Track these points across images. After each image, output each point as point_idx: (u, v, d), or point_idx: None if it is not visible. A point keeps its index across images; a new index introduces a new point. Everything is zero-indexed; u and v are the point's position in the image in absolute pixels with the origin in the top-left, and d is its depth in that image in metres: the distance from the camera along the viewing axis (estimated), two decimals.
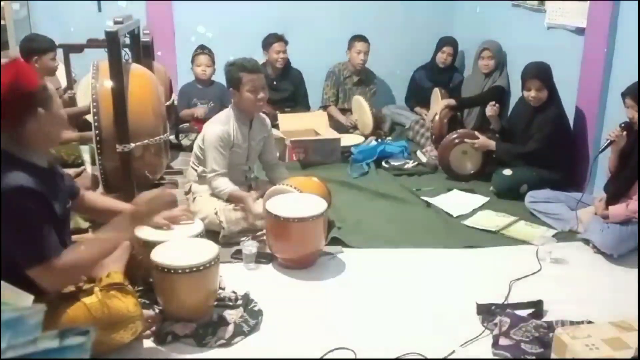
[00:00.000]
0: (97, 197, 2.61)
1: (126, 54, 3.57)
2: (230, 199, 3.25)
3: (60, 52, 4.39)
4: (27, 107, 1.98)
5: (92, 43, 4.60)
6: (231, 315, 2.45)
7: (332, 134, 4.71)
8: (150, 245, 2.43)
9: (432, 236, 3.33)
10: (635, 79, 3.13)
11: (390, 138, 5.06)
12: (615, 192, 3.16)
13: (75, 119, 4.08)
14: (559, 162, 3.86)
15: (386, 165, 4.44)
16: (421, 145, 4.90)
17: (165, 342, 2.30)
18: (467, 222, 3.53)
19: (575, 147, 3.95)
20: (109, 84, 3.02)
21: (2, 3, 4.82)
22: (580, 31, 3.93)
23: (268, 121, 3.57)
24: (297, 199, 3.06)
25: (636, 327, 2.07)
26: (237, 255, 3.01)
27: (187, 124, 4.83)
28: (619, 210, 3.08)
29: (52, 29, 4.98)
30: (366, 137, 4.92)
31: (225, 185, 3.25)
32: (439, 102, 4.79)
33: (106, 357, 2.11)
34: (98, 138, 3.06)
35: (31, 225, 1.94)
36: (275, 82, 5.11)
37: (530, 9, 4.53)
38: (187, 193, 3.50)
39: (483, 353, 2.31)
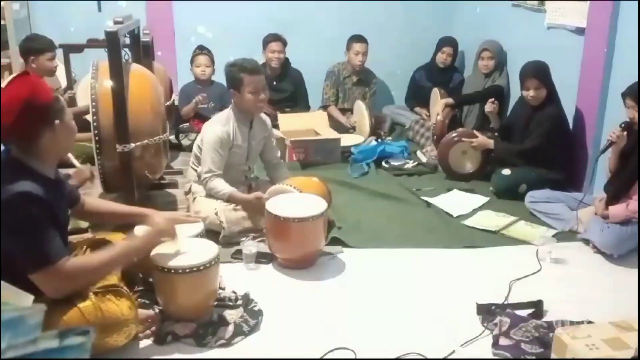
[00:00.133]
0: (97, 202, 2.60)
1: (126, 54, 3.56)
2: (231, 200, 3.24)
3: (60, 52, 4.40)
4: (44, 120, 2.01)
5: (92, 43, 4.60)
6: (231, 315, 2.45)
7: (332, 134, 4.71)
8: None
9: (432, 236, 3.33)
10: (635, 79, 3.13)
11: (390, 138, 5.06)
12: (616, 192, 3.16)
13: (75, 119, 4.07)
14: (558, 162, 3.86)
15: (386, 165, 4.44)
16: (421, 145, 4.90)
17: (165, 342, 2.30)
18: (467, 222, 3.53)
19: (575, 147, 3.95)
20: (108, 83, 3.01)
21: (2, 3, 4.82)
22: (580, 31, 3.93)
23: (268, 121, 3.57)
24: (297, 199, 3.06)
25: (636, 327, 2.07)
26: (237, 255, 3.01)
27: (187, 124, 4.83)
28: (619, 210, 3.08)
29: (52, 29, 4.98)
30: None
31: (222, 186, 3.25)
32: (438, 102, 4.79)
33: (105, 358, 2.11)
34: (97, 138, 3.05)
35: (36, 230, 1.95)
36: (275, 83, 5.11)
37: (530, 9, 4.53)
38: (187, 193, 3.50)
39: (483, 353, 2.31)
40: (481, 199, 3.85)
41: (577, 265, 3.04)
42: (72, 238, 2.41)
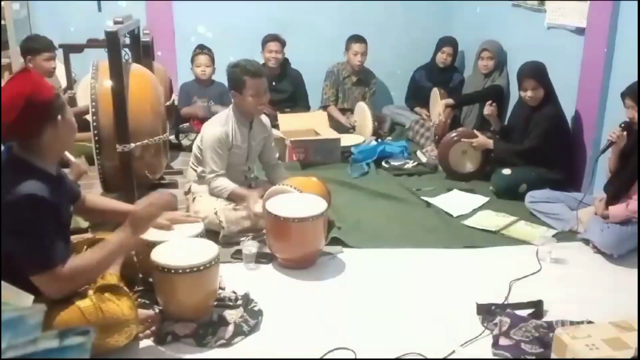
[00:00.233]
0: (98, 199, 2.61)
1: (126, 54, 3.57)
2: (232, 197, 3.25)
3: (60, 52, 4.40)
4: (47, 117, 2.01)
5: (92, 43, 4.61)
6: (231, 315, 2.45)
7: (332, 134, 4.71)
8: (150, 245, 2.43)
9: (432, 236, 3.33)
10: (635, 79, 3.13)
11: (390, 138, 5.06)
12: (615, 192, 3.16)
13: (75, 119, 4.08)
14: (557, 162, 3.86)
15: (386, 165, 4.44)
16: (421, 145, 4.90)
17: (165, 342, 2.30)
18: (467, 222, 3.53)
19: (575, 147, 3.95)
20: (108, 83, 3.02)
21: (2, 3, 4.82)
22: (580, 31, 3.93)
23: (268, 121, 3.57)
24: (297, 199, 3.06)
25: (636, 327, 2.07)
26: (237, 255, 3.01)
27: (187, 124, 4.83)
28: (619, 210, 3.08)
29: (52, 29, 4.99)
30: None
31: (226, 183, 3.26)
32: (438, 103, 4.79)
33: (105, 358, 2.11)
34: (97, 138, 3.06)
35: (40, 233, 1.95)
36: (274, 83, 5.11)
37: (530, 9, 4.53)
38: (187, 193, 3.50)
39: (483, 353, 2.31)
40: (481, 199, 3.85)
41: (577, 265, 3.04)
42: (72, 238, 2.41)
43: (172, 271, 2.31)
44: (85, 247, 2.42)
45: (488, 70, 4.83)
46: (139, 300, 2.44)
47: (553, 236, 3.24)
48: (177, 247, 2.44)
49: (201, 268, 2.32)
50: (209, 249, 2.44)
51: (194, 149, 3.45)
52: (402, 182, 4.18)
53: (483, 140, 4.13)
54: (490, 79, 4.85)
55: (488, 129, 4.42)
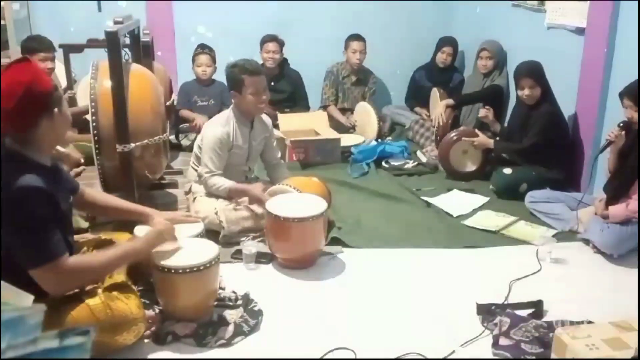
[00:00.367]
0: (98, 194, 2.61)
1: (126, 54, 3.57)
2: (232, 194, 3.24)
3: (60, 52, 4.40)
4: (44, 107, 2.00)
5: (92, 43, 4.60)
6: (231, 315, 2.45)
7: (332, 134, 4.71)
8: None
9: (432, 236, 3.33)
10: (635, 79, 3.13)
11: (390, 138, 5.06)
12: (615, 192, 3.16)
13: (75, 119, 4.08)
14: (557, 161, 3.87)
15: (386, 165, 4.44)
16: (421, 145, 4.90)
17: (165, 342, 2.30)
18: (467, 222, 3.53)
19: (575, 147, 3.95)
20: (108, 83, 3.02)
21: (2, 3, 4.82)
22: (580, 31, 3.93)
23: (269, 121, 3.57)
24: (297, 199, 3.06)
25: (636, 327, 2.07)
26: (237, 255, 3.01)
27: (187, 124, 4.83)
28: (619, 210, 3.08)
29: (52, 29, 4.99)
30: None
31: (222, 181, 3.25)
32: (438, 104, 4.79)
33: (107, 358, 2.11)
34: (97, 138, 3.06)
35: (38, 227, 1.94)
36: (272, 83, 5.10)
37: (530, 9, 4.53)
38: (187, 193, 3.51)
39: (483, 353, 2.31)
40: (481, 199, 3.86)
41: (577, 265, 3.04)
42: (75, 238, 2.41)
43: (172, 271, 2.31)
44: (92, 248, 2.42)
45: (487, 70, 4.83)
46: (141, 300, 2.43)
47: (553, 236, 3.24)
48: (177, 247, 2.43)
49: (201, 268, 2.32)
50: (209, 249, 2.44)
51: (195, 148, 3.45)
52: (402, 182, 4.18)
53: (484, 139, 4.14)
54: (489, 78, 4.85)
55: (488, 129, 4.42)
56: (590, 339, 2.01)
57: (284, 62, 5.24)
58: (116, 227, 2.83)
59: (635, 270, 2.92)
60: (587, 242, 3.23)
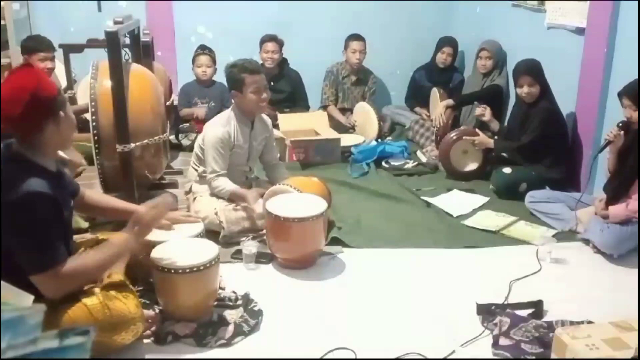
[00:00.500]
0: (98, 195, 2.62)
1: (126, 54, 3.57)
2: (232, 197, 3.25)
3: (60, 52, 4.40)
4: (50, 112, 2.02)
5: (92, 43, 4.61)
6: (231, 315, 2.45)
7: (332, 134, 4.71)
8: (150, 245, 2.43)
9: (432, 236, 3.33)
10: (634, 78, 3.13)
11: (390, 138, 5.06)
12: (615, 192, 3.16)
13: (75, 117, 4.09)
14: (556, 160, 3.87)
15: (386, 165, 4.44)
16: (421, 145, 4.90)
17: (165, 342, 2.30)
18: (467, 222, 3.53)
19: (575, 146, 3.96)
20: (108, 83, 3.02)
21: (2, 3, 4.82)
22: (580, 31, 3.93)
23: (269, 121, 3.58)
24: (297, 199, 3.06)
25: (636, 327, 2.07)
26: (237, 255, 3.01)
27: (187, 124, 4.83)
28: (618, 210, 3.08)
29: (52, 29, 4.99)
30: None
31: (226, 184, 3.26)
32: (438, 104, 4.79)
33: (106, 358, 2.11)
34: (97, 138, 3.06)
35: (42, 233, 1.95)
36: (272, 83, 5.10)
37: (530, 9, 4.53)
38: (187, 193, 3.51)
39: (483, 353, 2.31)
40: (481, 199, 3.86)
41: (577, 265, 3.04)
42: (74, 238, 2.41)
43: (172, 271, 2.31)
44: (83, 247, 2.42)
45: (486, 70, 4.82)
46: (140, 300, 2.43)
47: (553, 236, 3.24)
48: (177, 247, 2.44)
49: (201, 268, 2.32)
50: (209, 249, 2.44)
51: (196, 148, 3.45)
52: (402, 182, 4.18)
53: (484, 138, 4.16)
54: (489, 78, 4.85)
55: (488, 129, 4.43)
56: (590, 339, 2.01)
57: (283, 62, 5.24)
58: (116, 227, 2.83)
59: (635, 270, 2.92)
60: (587, 242, 3.23)
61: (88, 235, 2.83)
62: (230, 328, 2.36)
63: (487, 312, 2.52)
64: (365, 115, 5.05)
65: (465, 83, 5.18)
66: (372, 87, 5.39)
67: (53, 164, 2.13)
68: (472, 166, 4.24)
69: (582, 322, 2.40)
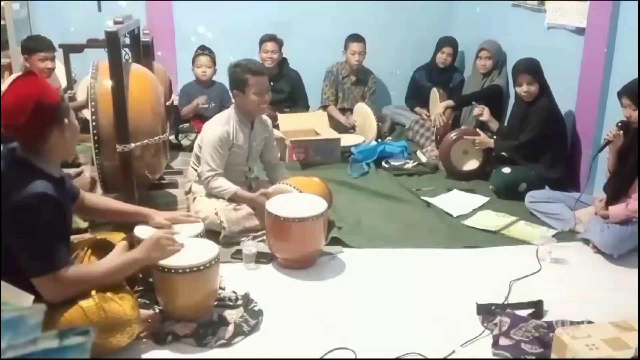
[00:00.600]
0: (98, 198, 2.62)
1: (126, 54, 3.57)
2: (235, 199, 3.24)
3: (60, 52, 4.40)
4: (54, 120, 2.03)
5: (92, 43, 4.61)
6: (231, 315, 2.45)
7: (332, 134, 4.71)
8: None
9: (432, 236, 3.33)
10: (633, 78, 3.13)
11: (390, 138, 5.06)
12: (615, 192, 3.16)
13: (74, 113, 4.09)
14: (556, 160, 3.87)
15: (386, 165, 4.44)
16: (421, 145, 4.90)
17: (165, 342, 2.30)
18: (467, 222, 3.53)
19: (575, 146, 3.96)
20: (108, 83, 3.02)
21: (2, 3, 4.82)
22: (580, 31, 3.93)
23: (269, 121, 3.57)
24: (297, 199, 3.06)
25: (636, 327, 2.07)
26: (237, 255, 3.00)
27: (187, 124, 4.83)
28: (618, 210, 3.08)
29: (52, 29, 4.99)
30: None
31: (227, 184, 3.25)
32: (438, 105, 4.80)
33: (106, 358, 2.11)
34: (96, 138, 3.06)
35: (44, 235, 1.96)
36: (272, 83, 5.09)
37: (530, 9, 4.53)
38: (187, 193, 3.50)
39: (483, 353, 2.31)
40: (481, 199, 3.86)
41: (577, 265, 3.04)
42: (73, 238, 2.41)
43: (172, 271, 2.30)
44: (86, 247, 2.43)
45: (486, 70, 4.83)
46: (139, 300, 2.43)
47: (553, 236, 3.24)
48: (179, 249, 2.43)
49: (201, 268, 2.32)
50: (209, 249, 2.44)
51: (195, 148, 3.45)
52: (402, 182, 4.18)
53: (485, 138, 4.17)
54: (489, 78, 4.85)
55: (488, 129, 4.43)
56: (590, 339, 2.01)
57: (283, 62, 5.24)
58: (115, 227, 2.83)
59: (635, 270, 2.92)
60: (587, 242, 3.23)
61: (87, 236, 2.83)
62: (231, 328, 2.36)
63: (487, 312, 2.52)
64: (364, 116, 5.05)
65: (465, 83, 5.19)
66: (372, 87, 5.39)
67: (57, 170, 2.14)
68: (472, 166, 4.25)
69: (582, 322, 2.40)
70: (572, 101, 3.98)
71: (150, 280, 2.47)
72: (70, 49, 4.50)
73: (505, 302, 2.63)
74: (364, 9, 5.60)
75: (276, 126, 4.64)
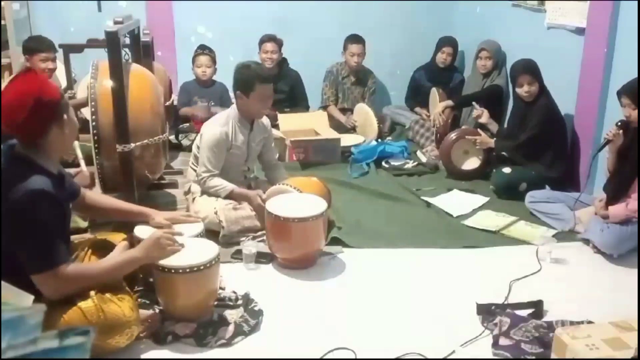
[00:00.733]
0: (98, 196, 2.62)
1: (126, 54, 3.57)
2: (232, 197, 3.24)
3: (60, 52, 4.40)
4: (54, 116, 2.03)
5: (92, 43, 4.61)
6: (231, 315, 2.45)
7: (332, 134, 4.71)
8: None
9: (432, 236, 3.33)
10: (632, 77, 3.13)
11: (390, 138, 5.06)
12: (615, 192, 3.16)
13: (74, 111, 4.08)
14: (556, 160, 3.88)
15: (386, 165, 4.44)
16: (421, 145, 4.90)
17: (165, 342, 2.30)
18: (467, 222, 3.53)
19: (575, 146, 3.96)
20: (108, 83, 3.02)
21: (2, 3, 4.82)
22: (580, 31, 3.93)
23: (268, 122, 3.57)
24: (297, 199, 3.06)
25: (636, 327, 2.07)
26: (237, 255, 3.01)
27: (187, 124, 4.83)
28: (618, 210, 3.08)
29: (52, 29, 4.99)
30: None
31: (224, 183, 3.25)
32: (437, 105, 4.80)
33: (105, 358, 2.11)
34: (96, 138, 3.06)
35: (43, 231, 1.96)
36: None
37: (530, 9, 4.53)
38: (186, 193, 3.50)
39: (483, 353, 2.31)
40: (481, 199, 3.86)
41: (577, 265, 3.04)
42: (73, 238, 2.41)
43: (172, 271, 2.30)
44: (86, 247, 2.43)
45: (486, 70, 4.82)
46: (139, 300, 2.43)
47: (553, 236, 3.24)
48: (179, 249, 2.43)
49: (201, 268, 2.32)
50: (209, 249, 2.44)
51: (194, 148, 3.45)
52: (402, 182, 4.18)
53: (485, 138, 4.18)
54: (489, 78, 4.85)
55: (487, 130, 4.43)
56: (590, 339, 2.01)
57: (283, 62, 5.24)
58: (116, 227, 2.83)
59: (635, 270, 2.92)
60: (587, 242, 3.23)
61: (87, 236, 2.83)
62: (231, 328, 2.36)
63: (487, 312, 2.52)
64: (364, 116, 5.05)
65: (465, 83, 5.18)
66: (372, 87, 5.39)
67: (55, 166, 2.14)
68: (472, 166, 4.25)
69: (582, 322, 2.40)
70: (572, 101, 3.98)
71: (150, 280, 2.47)
72: (70, 49, 4.50)
73: (505, 302, 2.63)
74: (364, 8, 5.59)
75: (276, 126, 4.64)
